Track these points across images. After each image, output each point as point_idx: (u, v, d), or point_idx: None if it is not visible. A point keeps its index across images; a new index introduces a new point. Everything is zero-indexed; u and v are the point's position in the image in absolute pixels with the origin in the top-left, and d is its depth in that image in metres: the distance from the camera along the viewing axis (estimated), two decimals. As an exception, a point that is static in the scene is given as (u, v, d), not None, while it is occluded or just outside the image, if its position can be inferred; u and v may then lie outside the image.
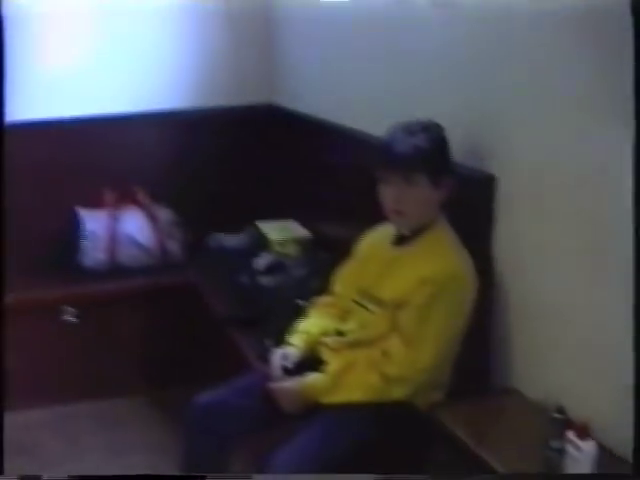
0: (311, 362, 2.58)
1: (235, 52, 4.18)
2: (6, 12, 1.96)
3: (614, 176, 2.10)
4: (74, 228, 3.89)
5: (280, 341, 2.81)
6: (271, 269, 3.41)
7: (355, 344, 2.52)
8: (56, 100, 3.94)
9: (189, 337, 3.77)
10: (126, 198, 3.95)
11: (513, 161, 2.49)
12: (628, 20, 1.61)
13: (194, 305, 3.71)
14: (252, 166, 4.15)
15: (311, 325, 2.68)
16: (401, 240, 2.55)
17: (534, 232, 2.45)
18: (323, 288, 3.00)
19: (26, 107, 3.74)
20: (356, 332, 2.53)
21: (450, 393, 2.50)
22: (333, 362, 2.51)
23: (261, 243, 3.74)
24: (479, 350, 2.59)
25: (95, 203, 3.93)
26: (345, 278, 2.72)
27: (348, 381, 2.43)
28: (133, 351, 3.81)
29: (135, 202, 3.96)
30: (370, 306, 2.53)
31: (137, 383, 3.78)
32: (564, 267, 2.35)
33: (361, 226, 3.21)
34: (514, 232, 2.52)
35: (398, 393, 2.39)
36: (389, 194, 2.45)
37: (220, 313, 3.47)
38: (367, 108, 3.31)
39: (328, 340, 2.60)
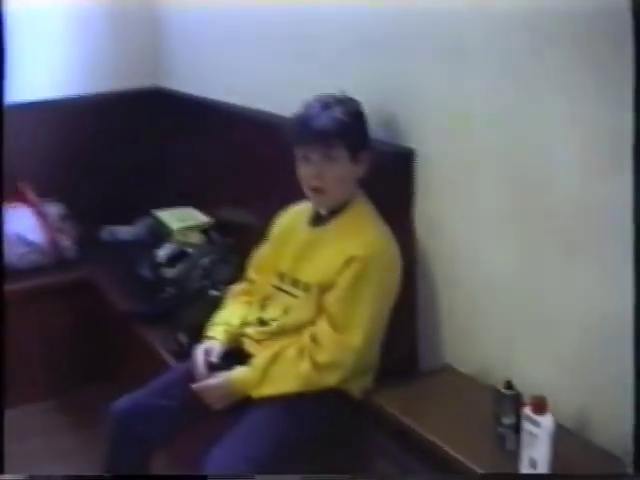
0: (236, 355, 2.45)
1: (119, 35, 3.98)
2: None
3: (549, 143, 2.05)
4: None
5: (194, 335, 2.69)
6: (174, 259, 3.26)
7: (280, 332, 2.41)
8: None
9: (93, 336, 3.58)
10: (11, 195, 3.71)
11: (432, 133, 2.41)
12: (628, 20, 1.58)
13: (95, 303, 3.53)
14: (143, 153, 3.96)
15: (230, 315, 2.55)
16: (319, 220, 2.45)
17: (459, 204, 2.38)
18: (234, 276, 2.90)
19: None
20: (280, 319, 2.42)
21: (380, 376, 2.41)
22: (259, 353, 2.39)
23: (161, 233, 3.57)
24: (406, 328, 2.52)
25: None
26: (261, 263, 2.61)
27: (277, 372, 2.32)
28: (34, 355, 3.59)
29: (21, 198, 3.72)
30: (292, 290, 2.42)
31: (43, 388, 3.56)
32: (494, 237, 2.29)
33: (264, 208, 3.13)
34: (437, 205, 2.45)
35: (331, 380, 2.29)
36: (308, 171, 2.35)
37: (123, 310, 3.30)
38: (267, 87, 3.18)
39: (250, 330, 2.48)
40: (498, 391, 1.99)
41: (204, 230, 3.46)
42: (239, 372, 2.35)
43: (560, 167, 2.04)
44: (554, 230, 2.09)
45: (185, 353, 2.74)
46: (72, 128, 3.90)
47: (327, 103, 2.35)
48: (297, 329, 2.38)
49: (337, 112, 2.33)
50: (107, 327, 3.52)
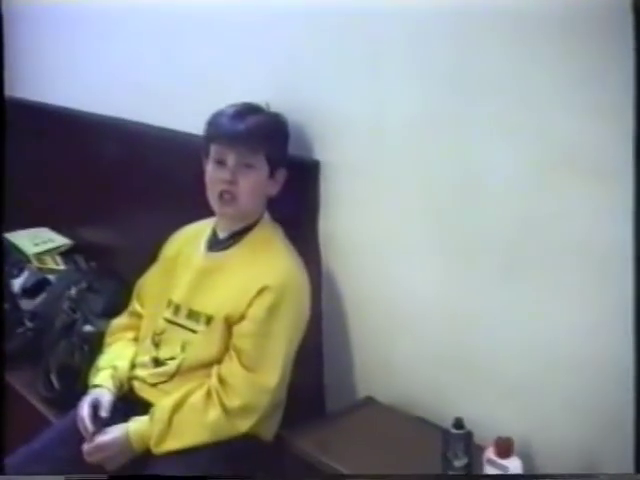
0: (128, 403, 2.13)
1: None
2: None
3: (477, 151, 1.88)
4: None
5: (67, 378, 2.35)
6: (34, 289, 2.87)
7: (180, 373, 2.11)
8: None
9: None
10: None
11: (339, 143, 2.18)
12: (628, 20, 1.54)
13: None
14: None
15: (115, 357, 2.23)
16: (218, 243, 2.17)
17: (369, 221, 2.16)
18: (108, 307, 2.56)
19: None
20: (178, 358, 2.12)
21: (289, 414, 2.15)
22: (157, 400, 2.08)
23: (10, 256, 3.16)
24: (312, 361, 2.27)
25: None
26: (148, 293, 2.30)
27: (182, 422, 2.02)
28: None
29: None
30: (190, 324, 2.13)
31: None
32: (411, 256, 2.09)
33: (132, 227, 2.82)
34: (344, 223, 2.21)
35: (244, 426, 2.02)
36: (221, 174, 2.08)
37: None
38: (131, 94, 2.85)
39: (143, 373, 2.17)
40: (447, 431, 1.77)
41: (62, 253, 3.08)
42: (136, 424, 2.04)
43: (489, 177, 1.86)
44: (483, 248, 1.91)
45: (58, 399, 2.41)
46: None
47: (253, 107, 2.12)
48: (199, 369, 2.09)
49: (263, 117, 2.12)
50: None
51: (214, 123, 2.12)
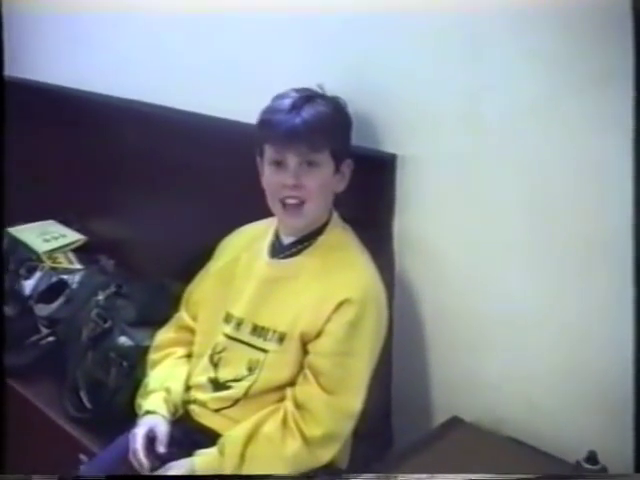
0: (187, 430, 1.89)
1: None
2: None
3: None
4: None
5: (99, 395, 2.10)
6: (50, 292, 2.59)
7: (247, 397, 1.86)
8: None
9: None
10: None
11: (420, 134, 1.93)
12: (628, 20, 1.52)
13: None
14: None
15: (166, 377, 1.98)
16: (282, 249, 1.92)
17: (452, 221, 1.92)
18: (143, 315, 2.31)
19: None
20: (245, 380, 1.87)
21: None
22: (222, 428, 1.84)
23: (17, 254, 2.86)
24: (380, 376, 2.02)
25: None
26: (202, 303, 2.04)
27: (257, 455, 1.78)
28: None
29: None
30: (256, 341, 1.88)
31: None
32: (499, 260, 1.86)
33: (154, 221, 2.56)
34: (423, 223, 1.98)
35: (326, 456, 1.79)
36: (282, 179, 1.82)
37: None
38: (161, 77, 2.57)
39: (202, 396, 1.92)
40: (579, 466, 1.56)
41: (79, 250, 2.80)
42: (204, 459, 1.79)
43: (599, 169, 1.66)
44: (598, 253, 1.69)
45: (92, 420, 2.16)
46: None
47: (308, 95, 1.84)
48: (270, 392, 1.85)
49: (322, 106, 1.83)
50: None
51: (266, 120, 1.85)
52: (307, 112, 1.79)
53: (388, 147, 1.97)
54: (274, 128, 1.80)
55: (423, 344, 2.04)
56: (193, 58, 2.43)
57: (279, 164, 1.81)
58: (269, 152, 1.83)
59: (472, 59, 1.80)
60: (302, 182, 1.80)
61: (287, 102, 1.81)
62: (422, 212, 1.97)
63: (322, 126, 1.79)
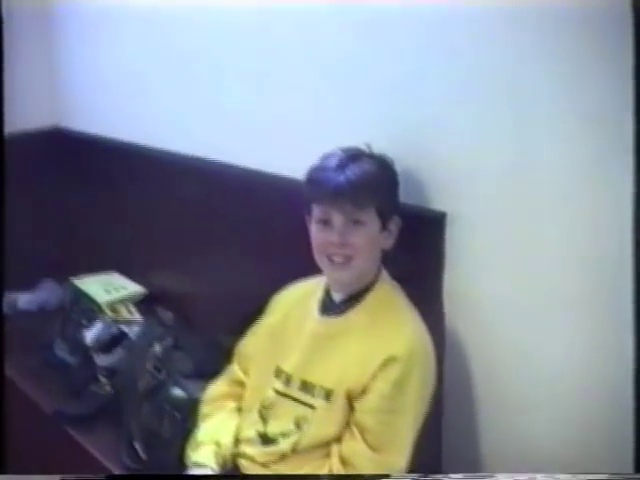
0: (234, 484, 1.91)
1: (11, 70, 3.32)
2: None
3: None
4: None
5: (153, 446, 2.13)
6: (109, 343, 2.65)
7: (295, 453, 1.88)
8: None
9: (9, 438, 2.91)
10: None
11: (470, 193, 1.95)
12: (628, 20, 1.52)
13: (5, 395, 2.86)
14: (45, 204, 3.31)
15: (218, 430, 2.01)
16: (333, 306, 1.94)
17: (500, 279, 1.92)
18: (198, 368, 2.34)
19: None
20: (292, 435, 1.89)
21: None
22: (269, 482, 1.86)
23: (79, 304, 2.94)
24: (429, 433, 2.02)
25: None
26: (254, 358, 2.07)
27: (302, 509, 1.79)
28: None
29: None
30: (304, 397, 1.91)
31: None
32: (542, 320, 1.86)
33: (213, 275, 2.61)
34: (471, 281, 1.99)
35: (371, 514, 1.79)
36: (329, 237, 1.85)
37: (45, 407, 2.66)
38: (217, 134, 2.63)
39: (251, 450, 1.94)
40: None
41: (139, 302, 2.86)
42: (250, 512, 1.81)
43: None
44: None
45: (142, 469, 2.20)
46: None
47: (354, 154, 1.87)
48: (316, 448, 1.87)
49: (368, 165, 1.86)
50: (24, 426, 2.87)
51: (313, 180, 1.89)
52: (352, 171, 1.82)
53: (437, 205, 1.98)
54: (320, 187, 1.84)
55: (473, 402, 2.03)
56: (251, 116, 2.49)
57: (325, 222, 1.85)
58: (316, 210, 1.86)
59: (520, 117, 1.82)
60: (348, 240, 1.83)
61: (333, 161, 1.85)
62: (471, 270, 1.97)
63: (367, 185, 1.82)
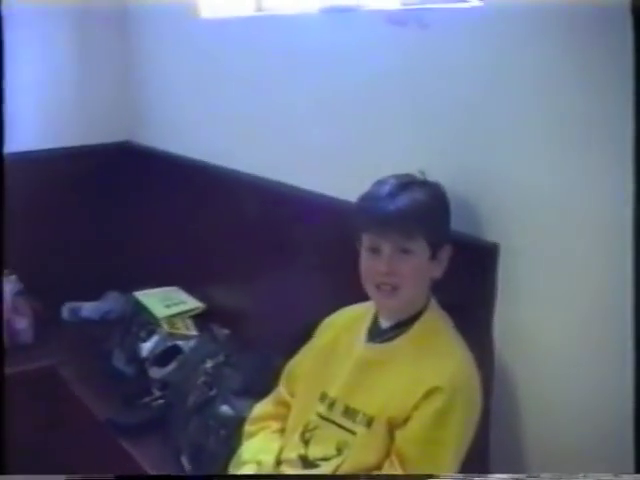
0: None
1: (83, 82, 3.42)
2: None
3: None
4: None
5: (199, 461, 2.15)
6: (164, 356, 2.69)
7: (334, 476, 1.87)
8: None
9: (56, 443, 2.97)
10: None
11: (520, 226, 1.93)
12: (628, 20, 1.52)
13: (59, 400, 2.94)
14: (114, 218, 3.37)
15: (259, 450, 2.02)
16: (381, 333, 1.94)
17: (553, 314, 1.90)
18: (247, 387, 2.36)
19: None
20: (333, 460, 1.89)
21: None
22: (309, 506, 1.86)
23: (138, 316, 2.99)
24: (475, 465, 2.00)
25: None
26: (300, 381, 2.07)
27: (338, 534, 1.78)
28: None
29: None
30: (346, 423, 1.90)
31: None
32: (600, 358, 1.82)
33: (272, 294, 2.62)
34: (521, 313, 1.95)
35: None
36: (376, 265, 1.85)
37: (99, 414, 2.71)
38: (286, 156, 2.65)
39: (291, 471, 1.94)
40: None
41: (194, 317, 2.89)
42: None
43: None
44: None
45: None
46: (29, 188, 3.29)
47: (405, 183, 1.87)
48: (356, 472, 1.85)
49: (418, 194, 1.85)
50: (75, 431, 2.93)
51: (363, 208, 1.89)
52: (402, 200, 1.82)
53: (490, 235, 1.96)
54: (369, 216, 1.85)
55: (520, 436, 2.00)
56: (311, 140, 2.50)
57: (374, 250, 1.85)
58: (365, 239, 1.87)
59: (577, 148, 1.80)
60: (396, 269, 1.82)
61: (384, 189, 1.85)
62: (523, 303, 1.95)
63: (416, 214, 1.82)
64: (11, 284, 3.16)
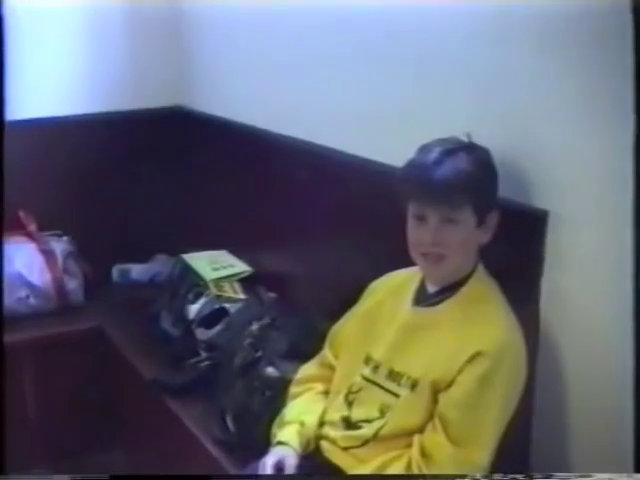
0: (314, 464, 1.93)
1: (136, 48, 3.43)
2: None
3: None
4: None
5: (242, 421, 2.17)
6: (212, 318, 2.71)
7: (376, 440, 1.88)
8: None
9: (104, 399, 3.02)
10: (10, 227, 3.16)
11: (571, 193, 1.90)
12: (628, 20, 1.52)
13: (107, 359, 2.99)
14: (165, 182, 3.39)
15: (303, 411, 2.03)
16: (427, 297, 1.93)
17: (600, 281, 1.87)
18: (292, 350, 2.37)
19: None
20: (375, 422, 1.90)
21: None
22: (348, 467, 1.87)
23: (186, 279, 3.01)
24: (520, 428, 1.99)
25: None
26: (345, 343, 2.08)
27: (378, 496, 1.79)
28: (33, 418, 3.02)
29: (20, 231, 3.17)
30: (390, 386, 1.90)
31: (43, 456, 2.98)
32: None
33: (320, 258, 2.63)
34: (569, 280, 1.93)
35: (446, 507, 1.78)
36: (423, 234, 1.84)
37: (145, 374, 2.75)
38: (333, 121, 2.64)
39: (333, 433, 1.96)
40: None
41: (241, 281, 2.91)
42: (327, 494, 1.82)
43: None
44: None
45: (233, 443, 2.24)
46: (82, 151, 3.33)
47: (451, 149, 1.84)
48: (398, 437, 1.86)
49: (464, 161, 1.82)
50: (121, 390, 2.98)
51: (408, 177, 1.86)
52: (447, 169, 1.79)
53: (540, 202, 1.94)
54: (414, 185, 1.83)
55: (564, 405, 1.99)
56: (356, 104, 2.49)
57: (420, 219, 1.84)
58: (411, 206, 1.86)
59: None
60: (442, 239, 1.81)
61: (429, 157, 1.82)
62: (571, 271, 1.93)
63: (462, 184, 1.80)
64: (63, 245, 3.20)
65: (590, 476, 1.63)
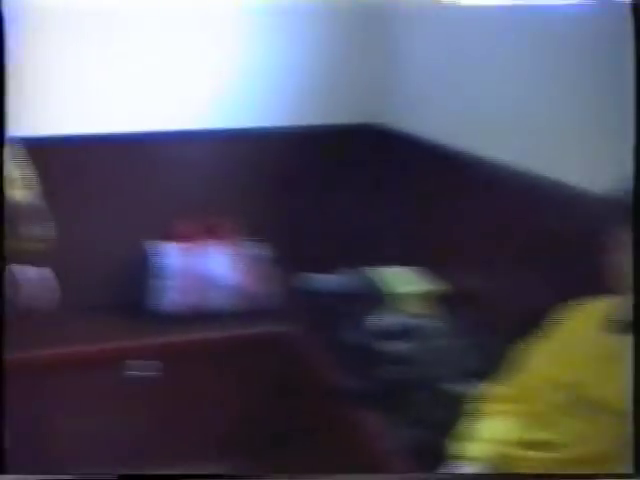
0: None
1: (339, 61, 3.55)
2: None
3: None
4: (143, 265, 3.32)
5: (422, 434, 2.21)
6: (403, 333, 2.77)
7: (570, 463, 1.89)
8: (106, 113, 3.29)
9: (289, 403, 3.14)
10: (208, 230, 3.34)
11: None
12: (628, 20, 1.53)
13: (292, 364, 3.10)
14: (360, 197, 3.49)
15: (493, 430, 2.05)
16: (619, 325, 1.92)
17: None
18: (482, 367, 2.39)
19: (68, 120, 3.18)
20: (563, 448, 1.89)
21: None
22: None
23: (374, 293, 3.09)
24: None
25: (170, 236, 3.33)
26: (537, 366, 2.09)
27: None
28: (218, 416, 3.18)
29: (219, 235, 3.35)
30: (581, 412, 1.90)
31: (226, 453, 3.13)
32: None
33: (518, 286, 2.63)
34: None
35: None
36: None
37: (330, 381, 2.84)
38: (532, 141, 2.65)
39: (522, 455, 1.97)
40: None
41: (435, 300, 2.96)
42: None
43: None
44: None
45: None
46: (282, 163, 3.47)
47: None
48: (592, 461, 1.86)
49: None
50: (303, 396, 3.07)
51: (621, 202, 1.76)
52: None
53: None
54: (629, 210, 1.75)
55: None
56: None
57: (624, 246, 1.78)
58: (621, 233, 1.79)
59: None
60: None
61: None
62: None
63: None
64: (259, 250, 3.34)
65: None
